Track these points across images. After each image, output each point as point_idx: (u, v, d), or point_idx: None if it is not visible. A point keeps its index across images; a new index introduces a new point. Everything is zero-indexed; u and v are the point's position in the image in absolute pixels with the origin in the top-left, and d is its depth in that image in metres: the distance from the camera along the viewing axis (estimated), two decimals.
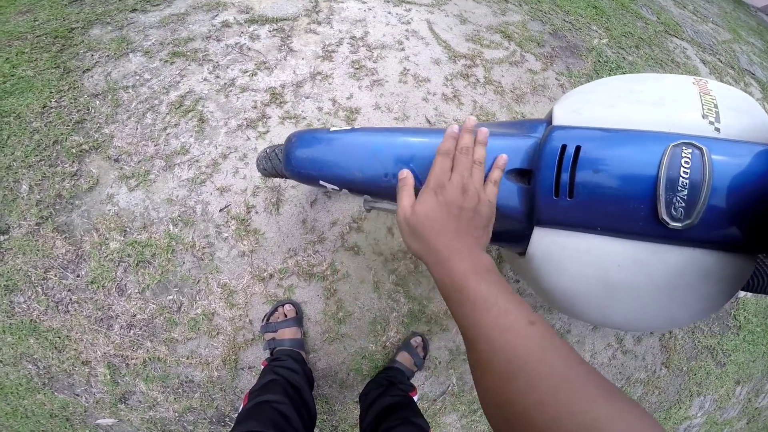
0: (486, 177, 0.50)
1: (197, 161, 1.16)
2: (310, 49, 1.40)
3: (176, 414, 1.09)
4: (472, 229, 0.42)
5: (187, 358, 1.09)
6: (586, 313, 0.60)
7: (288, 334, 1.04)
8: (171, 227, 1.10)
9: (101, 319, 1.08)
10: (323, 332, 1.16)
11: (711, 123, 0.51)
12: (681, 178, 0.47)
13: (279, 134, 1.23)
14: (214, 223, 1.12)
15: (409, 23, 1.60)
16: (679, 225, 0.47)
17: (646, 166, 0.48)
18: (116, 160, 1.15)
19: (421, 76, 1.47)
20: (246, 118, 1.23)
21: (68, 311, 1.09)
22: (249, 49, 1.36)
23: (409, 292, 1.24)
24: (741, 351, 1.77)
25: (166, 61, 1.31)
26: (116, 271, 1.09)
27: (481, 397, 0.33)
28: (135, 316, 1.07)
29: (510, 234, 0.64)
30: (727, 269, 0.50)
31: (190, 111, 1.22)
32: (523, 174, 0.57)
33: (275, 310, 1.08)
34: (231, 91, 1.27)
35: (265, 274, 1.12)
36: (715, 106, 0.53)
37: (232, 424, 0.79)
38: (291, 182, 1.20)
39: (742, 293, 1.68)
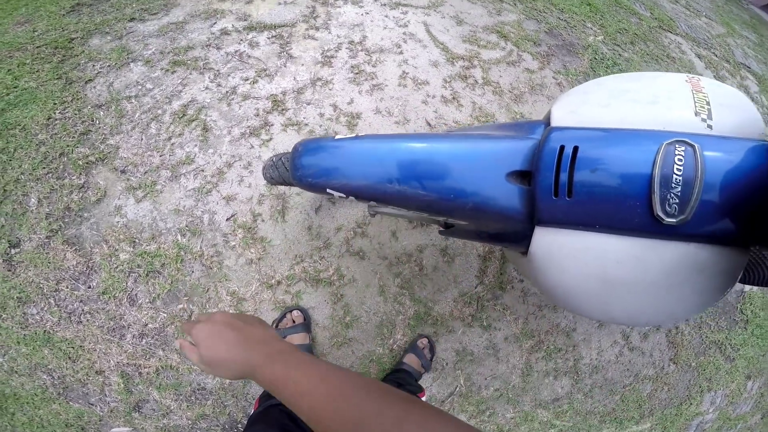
0: None
1: (202, 171, 1.17)
2: (310, 54, 1.41)
3: (189, 421, 1.11)
4: (249, 335, 0.44)
5: None
6: (588, 310, 0.62)
7: (297, 339, 1.06)
8: (179, 237, 1.12)
9: (113, 328, 1.10)
10: (331, 337, 1.18)
11: (703, 120, 0.52)
12: (674, 175, 0.48)
13: (282, 141, 1.25)
14: (222, 232, 1.14)
15: (407, 26, 1.61)
16: (674, 221, 0.49)
17: (641, 165, 0.50)
18: (123, 172, 1.16)
19: (420, 78, 1.49)
20: (249, 126, 1.24)
21: (81, 322, 1.11)
22: (249, 56, 1.37)
23: (414, 295, 1.26)
24: (750, 345, 1.79)
25: (167, 70, 1.32)
26: (127, 282, 1.11)
27: None
28: (147, 325, 1.09)
29: (512, 234, 0.66)
30: (721, 262, 0.52)
31: (193, 120, 1.24)
32: (524, 175, 0.59)
33: (283, 316, 1.10)
34: (233, 99, 1.29)
35: (273, 281, 1.14)
36: (708, 103, 0.54)
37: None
38: (296, 190, 1.22)
39: (747, 287, 1.71)
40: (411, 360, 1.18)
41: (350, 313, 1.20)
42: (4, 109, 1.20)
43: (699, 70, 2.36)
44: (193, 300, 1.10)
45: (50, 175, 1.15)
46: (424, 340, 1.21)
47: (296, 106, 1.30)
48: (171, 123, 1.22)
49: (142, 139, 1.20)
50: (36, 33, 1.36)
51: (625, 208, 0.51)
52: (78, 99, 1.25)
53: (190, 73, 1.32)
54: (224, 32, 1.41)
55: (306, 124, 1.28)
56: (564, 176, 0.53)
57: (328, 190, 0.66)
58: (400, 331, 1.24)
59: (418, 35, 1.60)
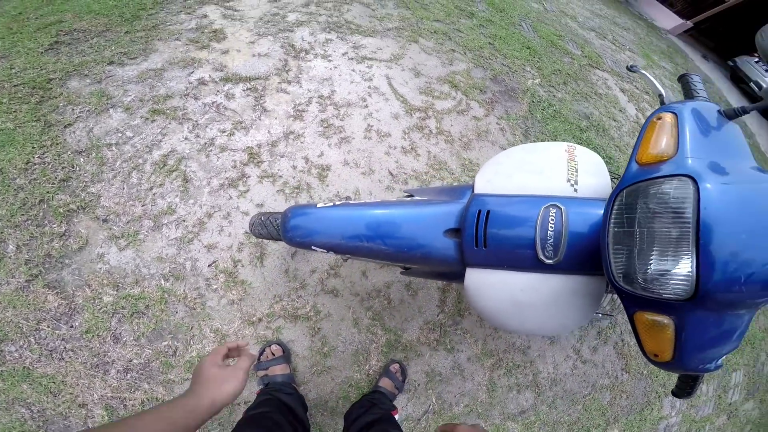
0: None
1: (184, 221, 1.29)
2: (282, 108, 1.57)
3: None
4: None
5: None
6: (510, 325, 0.82)
7: (278, 370, 1.20)
8: (162, 282, 1.24)
9: (97, 364, 1.20)
10: (311, 366, 1.32)
11: (572, 185, 0.75)
12: (549, 231, 0.70)
13: (258, 193, 1.40)
14: (204, 276, 1.27)
15: (371, 80, 1.81)
16: (551, 261, 0.70)
17: (529, 223, 0.72)
18: (105, 221, 1.25)
19: (383, 131, 1.70)
20: (227, 178, 1.38)
21: (63, 358, 1.19)
22: (225, 108, 1.50)
23: (385, 325, 1.44)
24: None
25: (147, 119, 1.41)
26: (111, 321, 1.21)
27: None
28: (131, 360, 1.20)
29: (453, 274, 0.90)
30: (588, 286, 0.73)
31: (173, 171, 1.35)
32: (456, 231, 0.82)
33: (263, 350, 1.24)
34: (211, 150, 1.41)
35: (254, 318, 1.28)
36: (576, 171, 0.77)
37: None
38: None
39: None
40: (386, 383, 1.31)
41: (327, 343, 1.35)
42: None
43: (623, 104, 2.74)
44: (177, 337, 1.23)
45: (29, 222, 1.21)
46: (396, 365, 1.36)
47: (271, 159, 1.46)
48: (152, 173, 1.33)
49: (123, 188, 1.29)
50: (13, 70, 1.39)
51: (521, 253, 0.73)
52: (57, 144, 1.31)
53: (170, 123, 1.42)
54: (201, 82, 1.52)
55: (280, 176, 1.44)
56: (481, 231, 0.74)
57: (312, 248, 0.85)
58: (374, 358, 1.38)
59: (381, 88, 1.81)
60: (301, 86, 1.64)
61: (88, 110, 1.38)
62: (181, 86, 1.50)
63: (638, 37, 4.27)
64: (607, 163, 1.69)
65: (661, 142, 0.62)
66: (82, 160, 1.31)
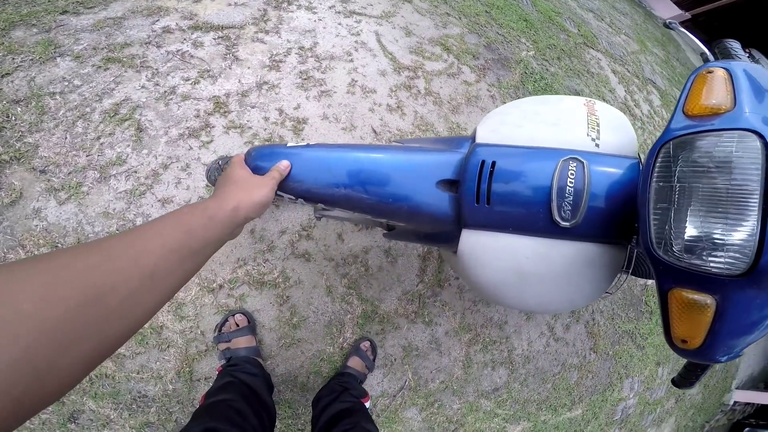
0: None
1: (135, 172, 1.12)
2: (257, 58, 1.41)
3: (133, 430, 1.05)
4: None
5: (138, 373, 1.05)
6: (507, 299, 0.70)
7: (242, 342, 1.04)
8: None
9: None
10: (279, 338, 1.17)
11: (593, 140, 0.63)
12: (568, 187, 0.58)
13: (224, 144, 1.22)
14: None
15: (359, 35, 1.65)
16: (568, 224, 0.59)
17: (543, 178, 0.60)
18: (42, 172, 1.08)
19: (368, 87, 1.53)
20: (188, 128, 1.21)
21: None
22: (191, 56, 1.34)
23: (361, 294, 1.29)
24: (656, 334, 2.01)
25: (100, 67, 1.25)
26: None
27: None
28: None
29: (444, 235, 0.74)
30: (605, 257, 0.62)
31: (126, 119, 1.18)
32: (452, 184, 0.67)
33: (226, 320, 1.07)
34: (171, 99, 1.24)
35: (215, 284, 1.11)
36: (598, 125, 0.65)
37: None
38: None
39: (650, 281, 1.91)
40: (355, 363, 1.19)
41: (297, 314, 1.20)
42: None
43: (613, 84, 2.66)
44: None
45: None
46: (367, 343, 1.24)
47: (240, 109, 1.29)
48: (101, 122, 1.16)
49: (66, 137, 1.12)
50: None
51: (531, 213, 0.60)
52: None
53: (126, 71, 1.26)
54: (166, 30, 1.37)
55: (249, 127, 1.27)
56: (484, 186, 0.62)
57: (278, 193, 0.69)
58: (349, 330, 1.26)
59: (369, 44, 1.65)
60: (280, 36, 1.49)
61: (31, 59, 1.22)
62: (142, 34, 1.34)
63: (635, 23, 4.20)
64: None
65: (716, 94, 0.53)
66: (19, 109, 1.14)
